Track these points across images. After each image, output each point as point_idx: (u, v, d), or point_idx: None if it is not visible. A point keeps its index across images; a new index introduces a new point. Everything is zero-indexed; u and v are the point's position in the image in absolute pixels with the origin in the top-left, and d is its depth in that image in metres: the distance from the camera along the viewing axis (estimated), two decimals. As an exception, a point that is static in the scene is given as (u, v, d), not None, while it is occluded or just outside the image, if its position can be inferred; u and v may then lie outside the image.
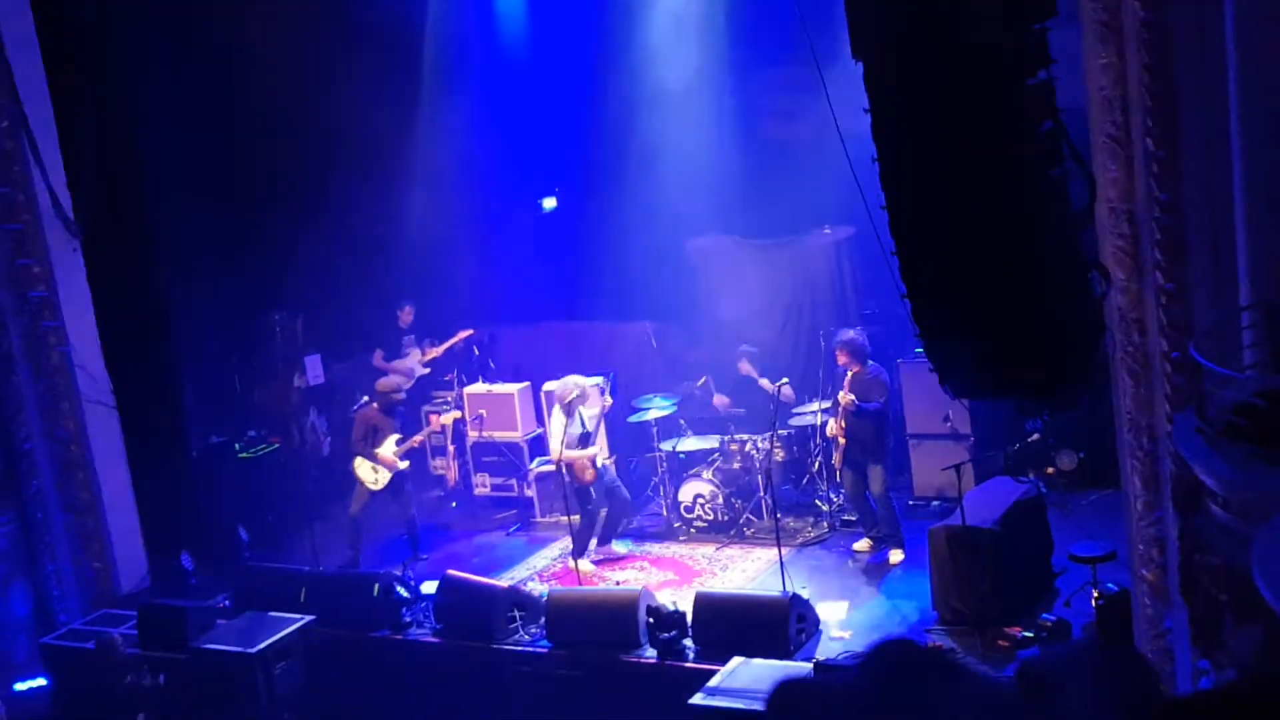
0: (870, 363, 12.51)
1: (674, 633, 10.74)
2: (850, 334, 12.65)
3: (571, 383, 13.18)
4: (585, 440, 13.16)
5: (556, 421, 13.15)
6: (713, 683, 9.74)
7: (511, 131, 15.67)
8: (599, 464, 13.24)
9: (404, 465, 13.70)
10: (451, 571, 12.15)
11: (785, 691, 3.63)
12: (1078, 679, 3.46)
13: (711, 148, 14.87)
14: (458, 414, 15.06)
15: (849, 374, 12.42)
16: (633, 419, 14.23)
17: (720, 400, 14.44)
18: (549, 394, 14.55)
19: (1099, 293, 7.08)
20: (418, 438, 14.33)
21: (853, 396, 12.29)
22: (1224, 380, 7.16)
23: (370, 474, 13.61)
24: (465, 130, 15.88)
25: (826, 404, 13.13)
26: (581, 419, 13.15)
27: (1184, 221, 8.07)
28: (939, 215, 6.51)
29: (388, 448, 13.63)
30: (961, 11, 6.11)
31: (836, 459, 12.73)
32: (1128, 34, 8.04)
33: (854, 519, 13.01)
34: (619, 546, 13.46)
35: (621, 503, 13.45)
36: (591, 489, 13.13)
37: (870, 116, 6.39)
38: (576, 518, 13.04)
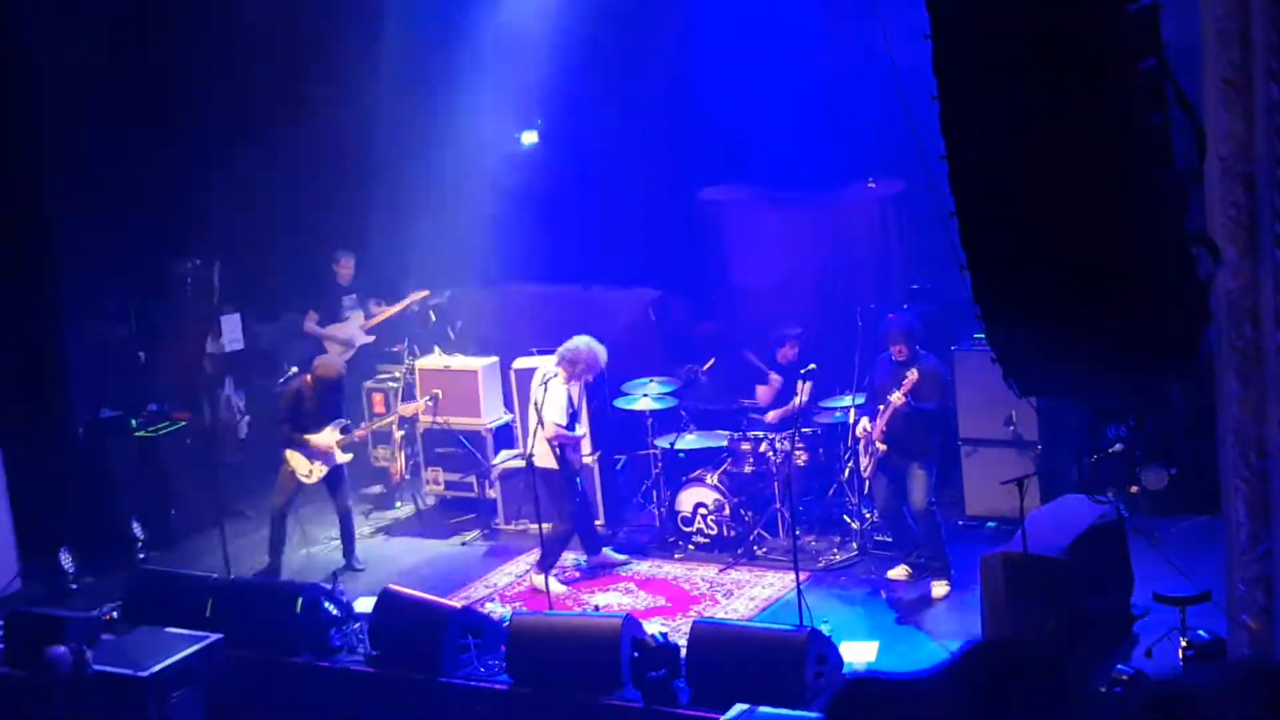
0: (923, 353, 12.48)
1: (664, 671, 10.74)
2: (909, 320, 12.64)
3: (591, 347, 13.06)
4: (575, 420, 13.18)
5: (559, 393, 13.01)
6: (710, 734, 9.76)
7: (481, 45, 15.54)
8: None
9: (346, 458, 13.71)
10: (392, 586, 12.15)
11: (855, 690, 3.72)
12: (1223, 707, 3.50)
13: (731, 75, 14.76)
14: (420, 406, 14.92)
15: (907, 369, 12.31)
16: (620, 403, 14.19)
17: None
18: (520, 371, 14.52)
19: (1204, 273, 7.06)
20: (366, 427, 14.36)
21: (907, 397, 12.24)
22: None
23: (304, 464, 13.55)
24: (423, 42, 15.76)
25: (860, 398, 13.09)
26: (572, 395, 13.12)
27: (1314, 189, 8.05)
28: (1012, 169, 6.49)
29: (327, 435, 13.56)
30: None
31: (866, 465, 12.69)
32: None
33: (889, 540, 13.02)
34: (613, 554, 13.55)
35: (588, 503, 13.68)
36: (579, 480, 13.19)
37: (932, 44, 6.36)
38: (549, 525, 13.06)
